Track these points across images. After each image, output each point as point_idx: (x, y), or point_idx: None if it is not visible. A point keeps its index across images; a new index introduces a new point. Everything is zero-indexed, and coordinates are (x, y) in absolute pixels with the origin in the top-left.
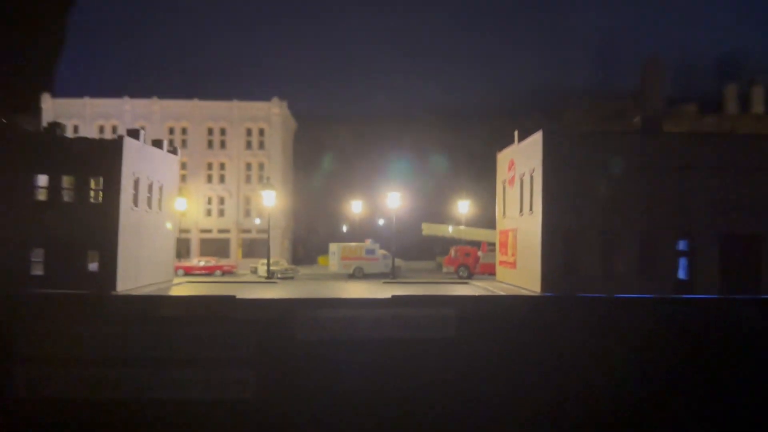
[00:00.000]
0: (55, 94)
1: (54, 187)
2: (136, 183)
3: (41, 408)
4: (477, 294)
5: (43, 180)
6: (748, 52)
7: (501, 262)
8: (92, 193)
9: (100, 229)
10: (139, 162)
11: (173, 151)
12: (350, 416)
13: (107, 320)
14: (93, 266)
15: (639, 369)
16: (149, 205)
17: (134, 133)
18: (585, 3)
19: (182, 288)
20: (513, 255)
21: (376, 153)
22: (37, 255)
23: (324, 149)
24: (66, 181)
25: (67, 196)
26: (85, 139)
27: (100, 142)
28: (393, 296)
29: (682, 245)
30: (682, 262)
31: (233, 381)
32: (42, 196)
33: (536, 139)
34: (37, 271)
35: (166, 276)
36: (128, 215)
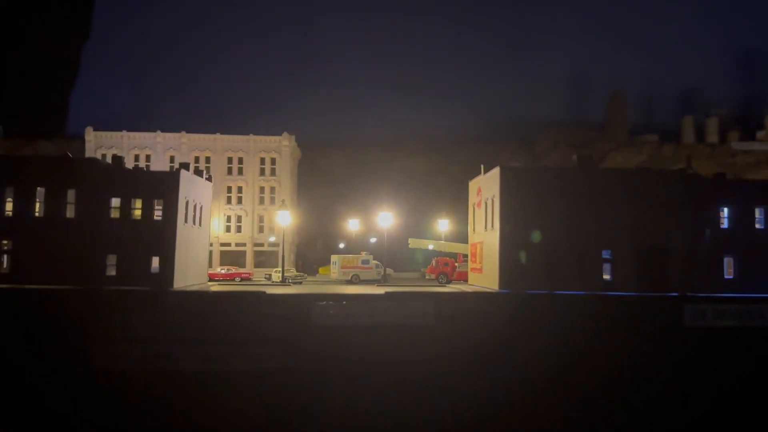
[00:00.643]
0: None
1: (125, 207)
2: (186, 205)
3: (113, 379)
4: (450, 291)
5: (116, 202)
6: (705, 86)
7: (472, 269)
8: (155, 212)
9: (161, 240)
10: (189, 188)
11: (209, 179)
12: (355, 377)
13: (166, 310)
14: (154, 269)
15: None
16: (194, 222)
17: (185, 166)
18: (555, 42)
19: (217, 288)
20: (480, 263)
21: (368, 176)
22: (111, 260)
23: (322, 173)
24: (135, 202)
25: (135, 215)
26: (150, 171)
27: (162, 174)
28: (387, 292)
29: (606, 254)
30: (607, 267)
31: (264, 355)
32: (115, 214)
33: (495, 172)
34: (111, 272)
35: (202, 278)
36: (181, 230)
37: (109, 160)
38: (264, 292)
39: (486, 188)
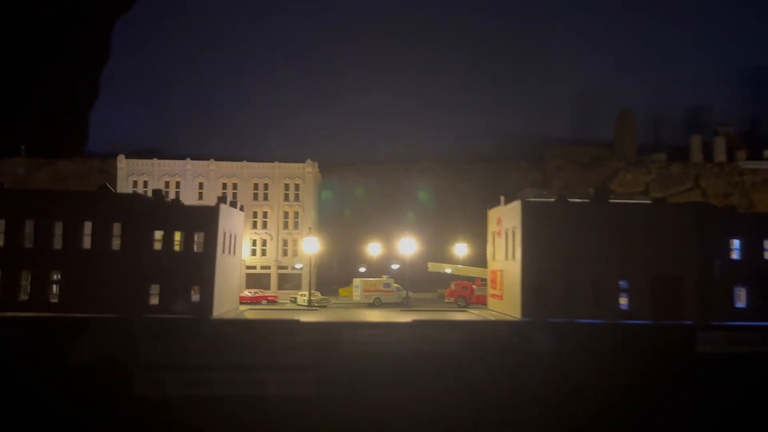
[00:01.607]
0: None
1: (167, 240)
2: (224, 236)
3: (154, 405)
4: (474, 319)
5: (159, 234)
6: (713, 106)
7: (492, 295)
8: (195, 244)
9: (201, 271)
10: (226, 220)
11: (241, 209)
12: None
13: (206, 337)
14: (195, 298)
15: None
16: (229, 251)
17: (223, 199)
18: (565, 61)
19: (250, 313)
20: (501, 290)
21: (380, 194)
22: (154, 289)
23: (335, 191)
24: (176, 235)
25: (176, 246)
26: (190, 205)
27: (203, 208)
28: (414, 320)
29: (622, 284)
30: (623, 296)
31: (299, 381)
32: (158, 246)
33: (517, 206)
34: (154, 301)
35: (235, 304)
36: (219, 260)
37: (140, 187)
38: (298, 321)
39: (506, 219)
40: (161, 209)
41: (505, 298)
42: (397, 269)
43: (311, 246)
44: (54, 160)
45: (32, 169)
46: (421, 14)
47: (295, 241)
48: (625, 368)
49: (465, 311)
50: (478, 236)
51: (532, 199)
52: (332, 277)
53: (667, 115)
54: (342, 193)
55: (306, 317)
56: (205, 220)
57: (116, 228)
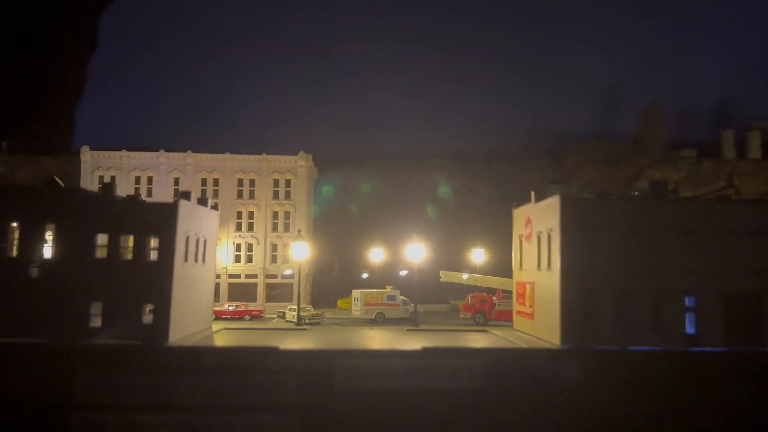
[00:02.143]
0: (74, 142)
1: (113, 246)
2: (187, 240)
3: None
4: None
5: (103, 239)
6: (745, 99)
7: (518, 312)
8: (148, 251)
9: (155, 284)
10: (190, 221)
11: (215, 207)
12: None
13: (159, 370)
14: (147, 318)
15: None
16: (196, 258)
17: (186, 195)
18: (587, 51)
19: (222, 336)
20: (531, 306)
21: (391, 196)
22: (96, 308)
23: (338, 190)
24: (124, 239)
25: (124, 254)
26: (139, 200)
27: (157, 205)
28: (424, 348)
29: (689, 302)
30: (689, 318)
31: (278, 427)
32: (101, 253)
33: (553, 202)
34: (96, 323)
35: (206, 323)
36: (179, 270)
37: (106, 182)
38: (277, 348)
39: (539, 219)
40: (106, 207)
41: (537, 318)
42: (405, 276)
43: (301, 252)
44: (37, 157)
45: (14, 167)
46: (435, 5)
47: (285, 246)
48: (696, 407)
49: (486, 331)
50: (496, 240)
51: (575, 195)
52: (332, 284)
53: (695, 108)
54: (345, 191)
55: (290, 340)
56: (160, 220)
57: (49, 232)
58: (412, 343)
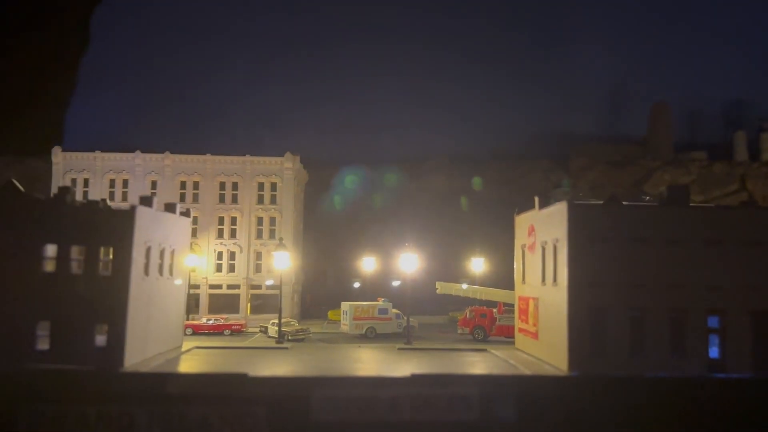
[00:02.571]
0: (65, 143)
1: (63, 258)
2: (148, 251)
3: None
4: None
5: (51, 250)
6: (757, 99)
7: (521, 330)
8: (102, 264)
9: (109, 302)
10: (152, 229)
11: (186, 213)
12: None
13: (112, 399)
14: (101, 340)
15: None
16: (160, 272)
17: (147, 201)
18: (591, 48)
19: (191, 357)
20: (534, 325)
21: (384, 198)
22: (44, 328)
23: (337, 197)
24: (75, 251)
25: (76, 267)
26: (96, 206)
27: (112, 212)
28: (413, 374)
29: (712, 322)
30: (713, 340)
31: None
32: (50, 267)
33: (560, 209)
34: (43, 345)
35: (174, 342)
36: (138, 285)
37: (80, 186)
38: (246, 375)
39: (543, 227)
40: (56, 214)
41: (541, 338)
42: (399, 287)
43: (282, 262)
44: (24, 158)
45: (0, 168)
46: (437, 4)
47: (270, 254)
48: None
49: (485, 350)
50: (497, 248)
51: (584, 201)
52: (325, 295)
53: (703, 109)
54: (340, 196)
55: (266, 363)
56: (115, 230)
57: None
58: (402, 365)
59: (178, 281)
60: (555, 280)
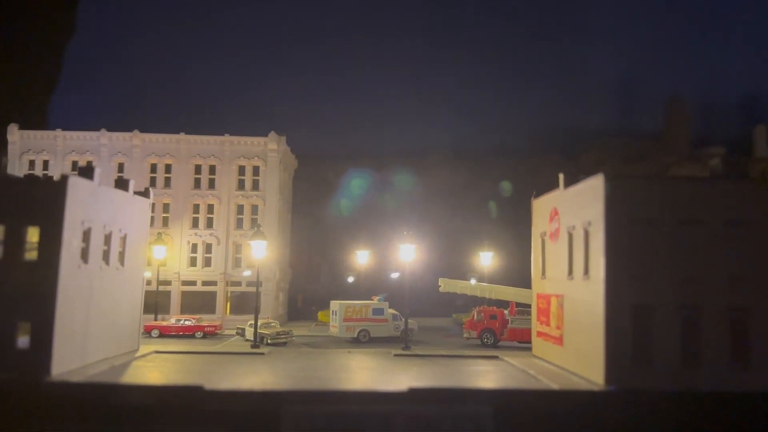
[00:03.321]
0: (48, 125)
1: None
2: (87, 234)
3: None
4: (516, 387)
5: None
6: None
7: (540, 334)
8: (28, 249)
9: (33, 295)
10: (93, 208)
11: (144, 193)
12: None
13: (36, 415)
14: (23, 341)
15: None
16: (106, 260)
17: (87, 172)
18: (603, 41)
19: (145, 364)
20: (558, 328)
21: (384, 194)
22: None
23: (329, 190)
24: None
25: None
26: (18, 178)
27: (39, 183)
28: (411, 388)
29: None
30: None
31: None
32: None
33: (593, 185)
34: None
35: (128, 345)
36: (73, 275)
37: (38, 168)
38: (201, 388)
39: (571, 210)
40: None
41: (567, 344)
42: (396, 281)
43: (260, 251)
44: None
45: None
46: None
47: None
48: None
49: (497, 357)
50: (504, 245)
51: (624, 174)
52: (319, 295)
53: (720, 103)
54: (336, 188)
55: (234, 372)
56: (42, 205)
57: None
58: (398, 376)
59: (136, 273)
60: (587, 272)
